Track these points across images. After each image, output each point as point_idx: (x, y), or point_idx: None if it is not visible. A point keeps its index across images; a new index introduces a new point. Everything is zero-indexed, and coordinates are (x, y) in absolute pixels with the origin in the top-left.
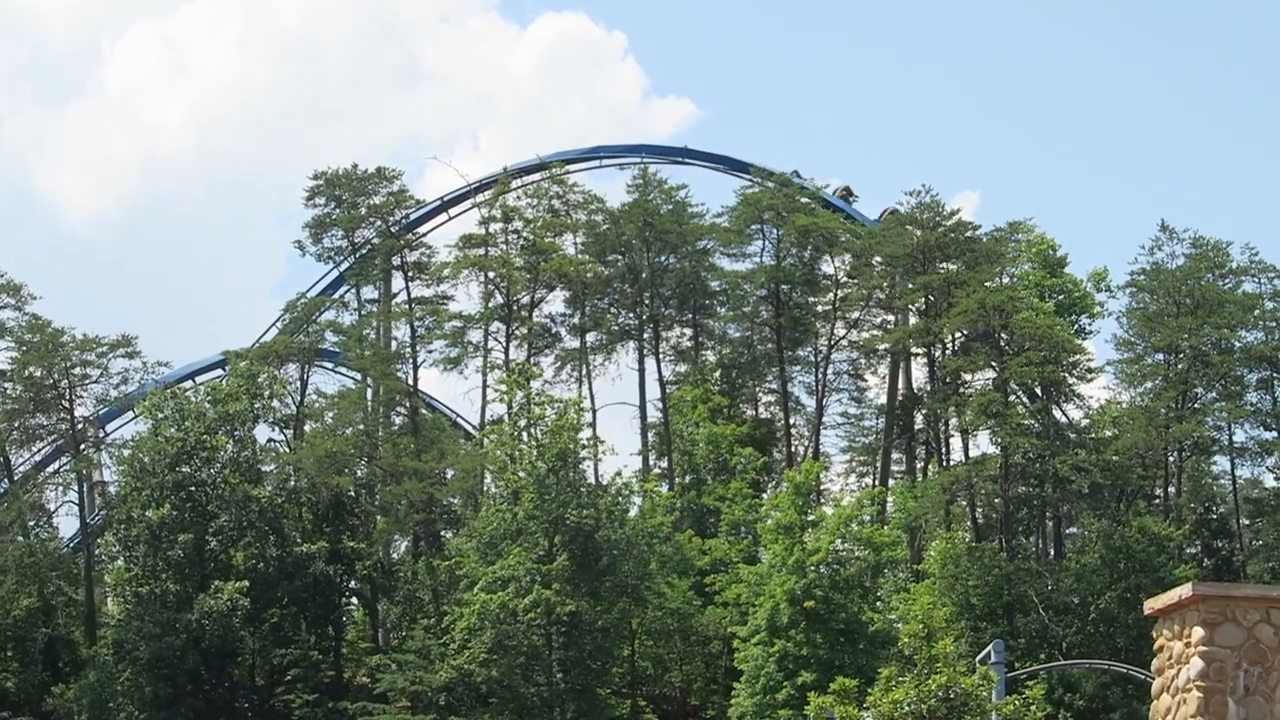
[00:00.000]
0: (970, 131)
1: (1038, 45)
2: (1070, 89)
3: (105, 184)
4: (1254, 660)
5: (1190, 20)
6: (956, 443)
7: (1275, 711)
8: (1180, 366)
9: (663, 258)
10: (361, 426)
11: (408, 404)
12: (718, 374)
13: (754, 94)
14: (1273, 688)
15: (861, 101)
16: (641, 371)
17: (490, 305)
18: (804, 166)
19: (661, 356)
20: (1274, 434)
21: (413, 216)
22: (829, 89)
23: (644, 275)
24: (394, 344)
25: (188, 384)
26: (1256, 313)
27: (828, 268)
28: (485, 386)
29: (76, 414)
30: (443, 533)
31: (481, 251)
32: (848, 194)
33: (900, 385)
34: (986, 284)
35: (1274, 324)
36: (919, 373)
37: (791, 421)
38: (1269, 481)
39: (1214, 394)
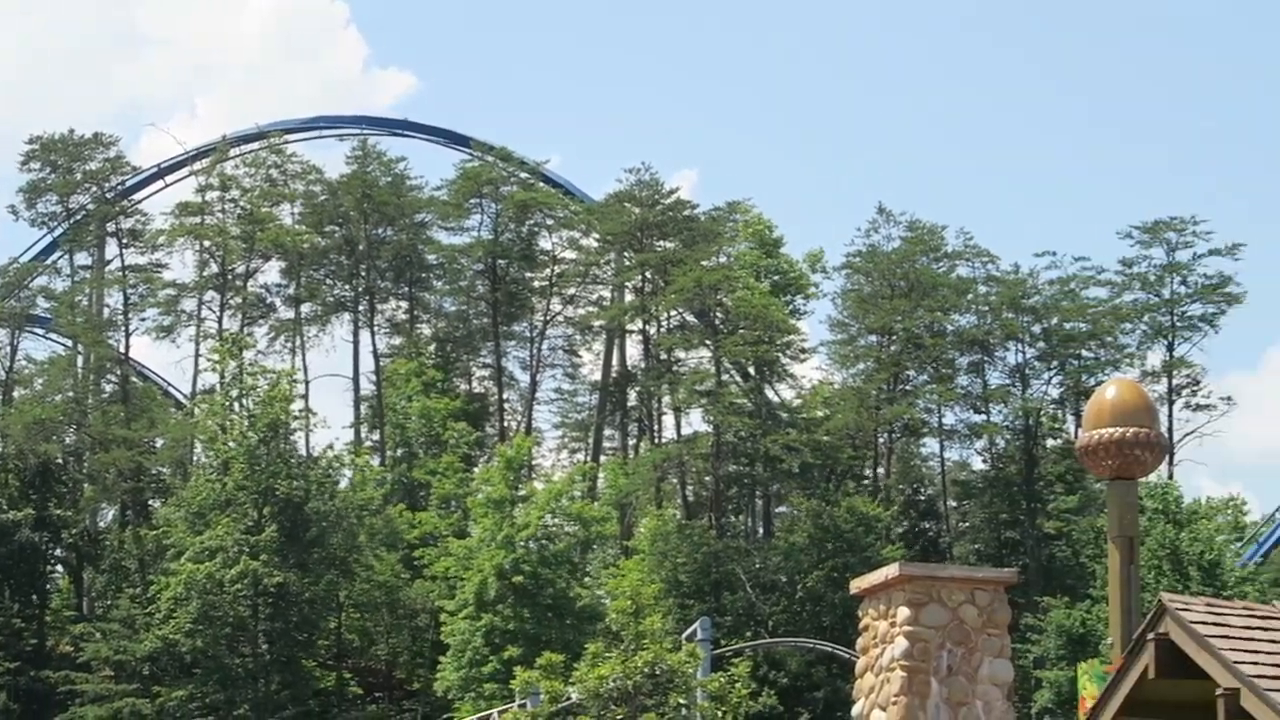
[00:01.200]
0: (689, 109)
1: (755, 22)
2: (790, 69)
3: None
4: (958, 641)
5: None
6: (669, 420)
7: (977, 691)
8: (893, 349)
9: (380, 230)
10: (71, 394)
11: (119, 372)
12: (432, 348)
13: (474, 67)
14: (975, 668)
15: (580, 77)
16: (356, 344)
17: (205, 274)
18: (523, 142)
19: (376, 329)
20: (983, 417)
21: (129, 183)
22: (548, 64)
23: (361, 247)
24: (106, 311)
25: None
26: (969, 297)
27: (545, 243)
28: (198, 356)
29: None
30: (151, 502)
31: (197, 220)
32: None
33: (614, 362)
34: (703, 263)
35: (986, 308)
36: (634, 350)
37: (505, 396)
38: (977, 464)
39: (925, 376)
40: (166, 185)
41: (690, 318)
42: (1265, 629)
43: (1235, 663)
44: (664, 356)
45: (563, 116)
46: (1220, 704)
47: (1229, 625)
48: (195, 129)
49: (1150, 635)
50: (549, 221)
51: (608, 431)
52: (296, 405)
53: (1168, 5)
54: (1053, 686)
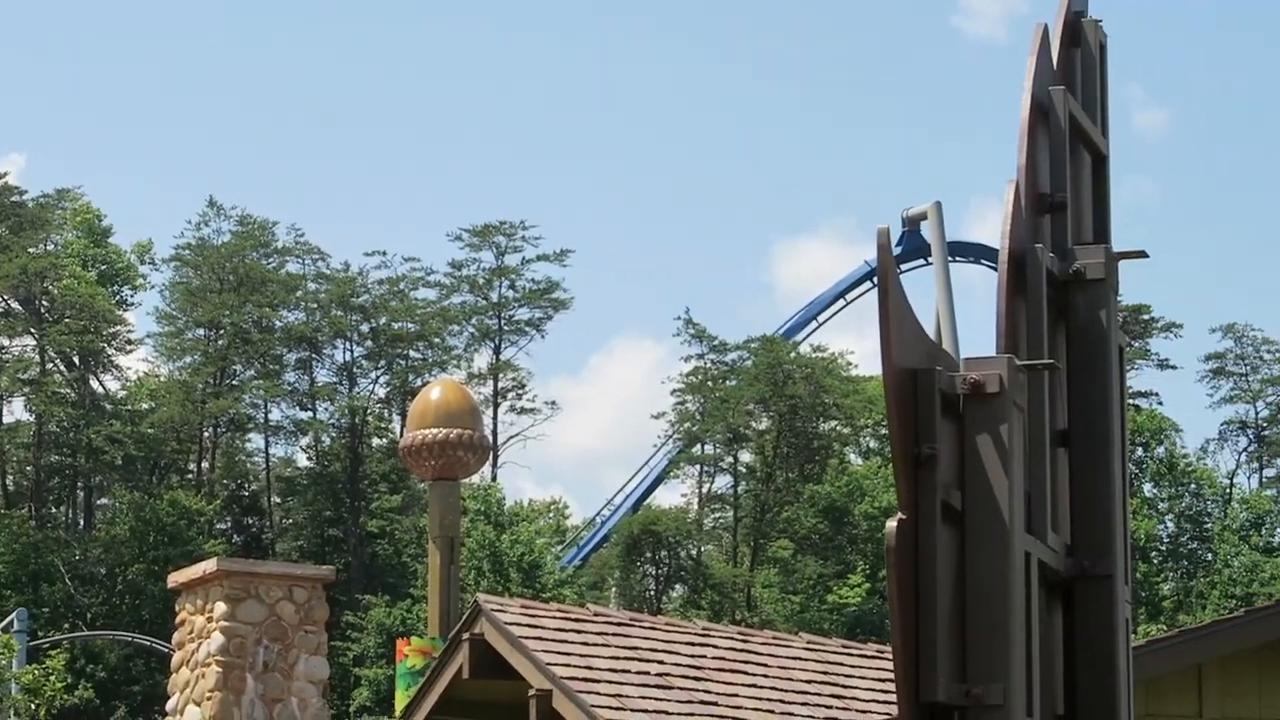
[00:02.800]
0: (18, 90)
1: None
2: (116, 50)
3: None
4: (275, 637)
5: None
6: None
7: (293, 688)
8: (221, 343)
9: None
10: None
11: None
12: None
13: None
14: (292, 665)
15: None
16: None
17: None
18: None
19: None
20: (309, 414)
21: None
22: None
23: None
24: None
25: None
26: (299, 293)
27: None
28: None
29: None
30: None
31: None
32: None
33: None
34: (29, 250)
35: (315, 305)
36: None
37: None
38: (302, 461)
39: (253, 372)
40: None
41: (15, 305)
42: (579, 631)
43: (547, 664)
44: None
45: None
46: (532, 705)
47: (543, 627)
48: None
49: (465, 635)
50: None
51: None
52: None
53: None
54: (372, 685)
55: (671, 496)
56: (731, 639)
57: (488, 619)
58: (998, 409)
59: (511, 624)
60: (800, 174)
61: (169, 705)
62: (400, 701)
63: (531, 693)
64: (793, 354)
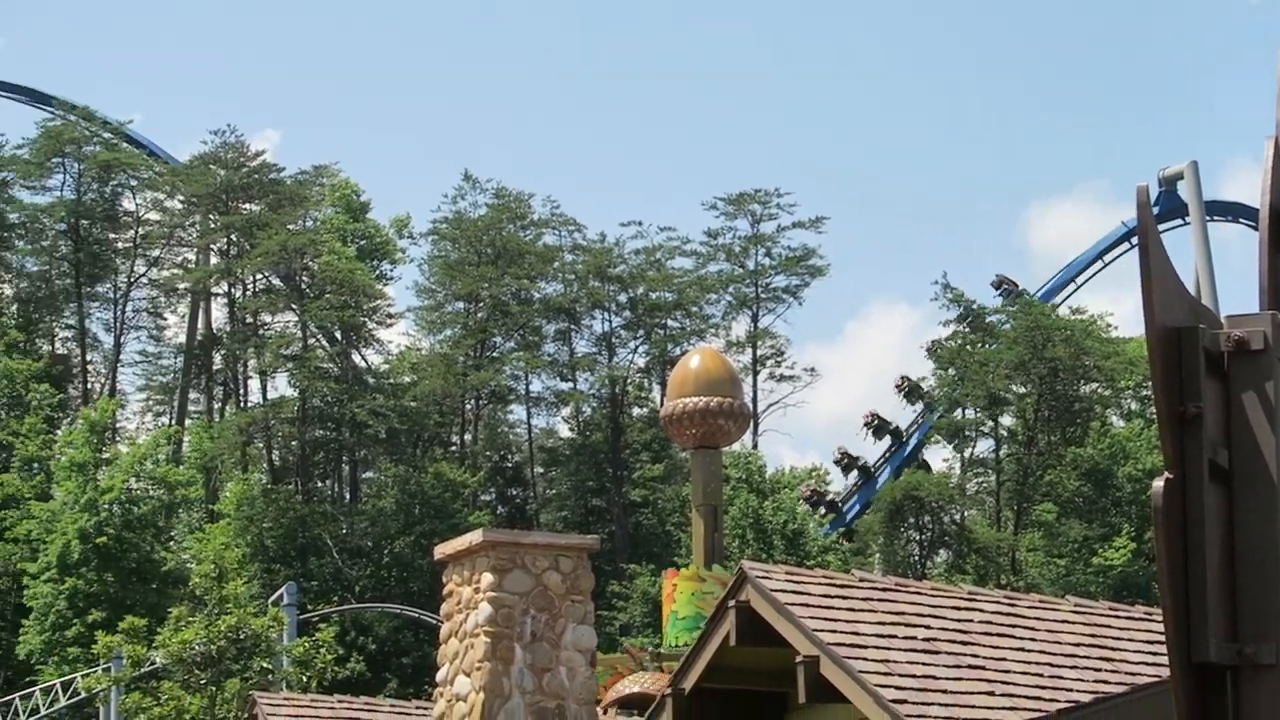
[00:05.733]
0: (271, 68)
1: None
2: (376, 30)
3: None
4: (541, 607)
5: None
6: (255, 384)
7: (561, 657)
8: (480, 315)
9: None
10: None
11: None
12: (14, 308)
13: (55, 25)
14: (559, 634)
15: (160, 34)
16: None
17: None
18: (105, 102)
19: None
20: (569, 384)
21: None
22: (128, 22)
23: None
24: None
25: None
26: (556, 265)
27: (129, 204)
28: None
29: None
30: None
31: None
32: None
33: (200, 325)
34: (289, 226)
35: (572, 276)
36: (219, 313)
37: (89, 358)
38: (563, 431)
39: (512, 343)
40: None
41: (276, 281)
42: (844, 598)
43: (814, 630)
44: (250, 320)
45: (144, 76)
46: (799, 671)
47: (809, 593)
48: None
49: (731, 603)
50: (133, 182)
51: (193, 395)
52: None
53: None
54: None
55: (933, 462)
56: (998, 603)
57: (754, 586)
58: (1263, 366)
59: (777, 591)
60: (1054, 137)
61: (438, 676)
62: (667, 640)
63: (799, 659)
64: (1051, 316)
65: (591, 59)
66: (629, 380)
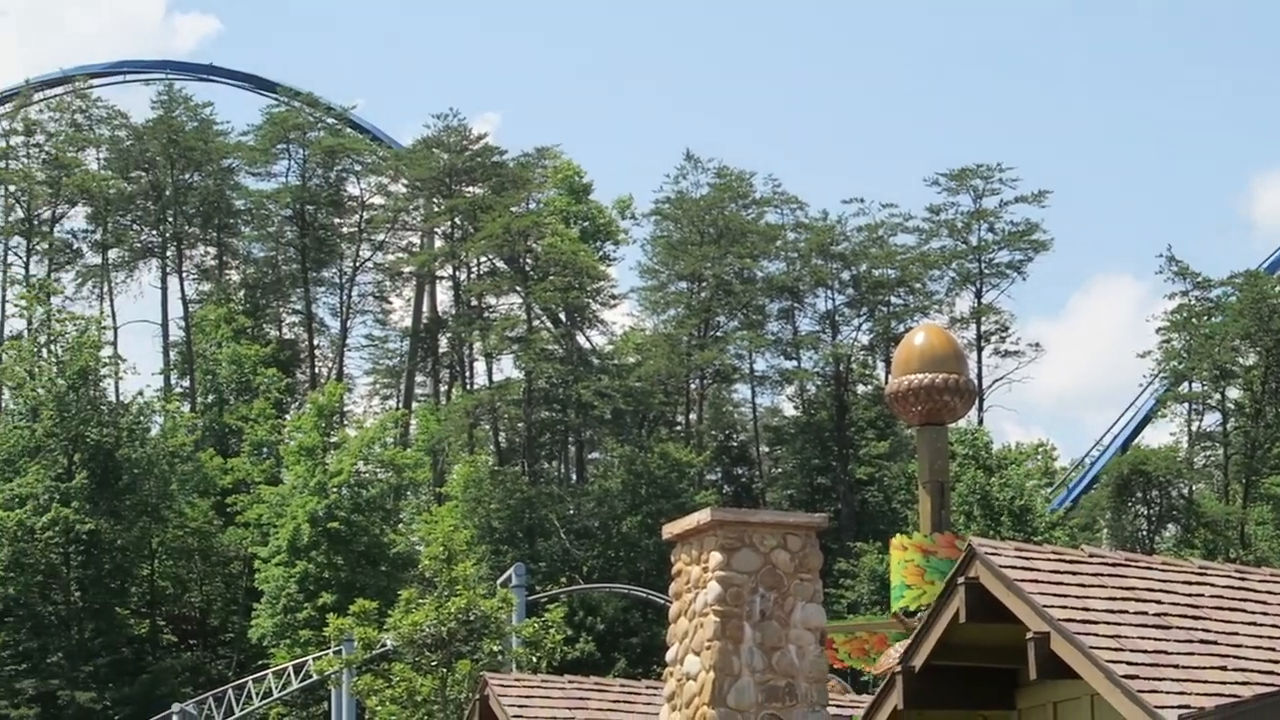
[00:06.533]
0: (491, 51)
1: None
2: (592, 10)
3: None
4: (770, 585)
5: None
6: (480, 366)
7: (790, 636)
8: (703, 295)
9: (187, 175)
10: None
11: None
12: (241, 294)
13: (276, 11)
14: (788, 613)
15: (380, 18)
16: (164, 290)
17: (10, 219)
18: (328, 87)
19: (185, 275)
20: (794, 363)
21: None
22: (348, 6)
23: (168, 193)
24: None
25: None
26: (778, 243)
27: (354, 189)
28: (4, 302)
29: None
30: None
31: (1, 165)
32: None
33: (425, 308)
34: (512, 209)
35: (795, 255)
36: (444, 296)
37: (316, 343)
38: (788, 410)
39: (736, 323)
40: None
41: (500, 264)
42: (1074, 573)
43: (1044, 606)
44: (474, 302)
45: (366, 61)
46: (1030, 647)
47: (1038, 570)
48: None
49: (960, 579)
50: (357, 167)
51: (419, 378)
52: (105, 351)
53: None
54: None
55: (1160, 435)
56: (1229, 577)
57: (982, 563)
58: None
59: (1006, 567)
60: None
61: (668, 655)
62: (894, 605)
63: (1029, 635)
64: (1277, 288)
65: (814, 36)
66: (853, 358)
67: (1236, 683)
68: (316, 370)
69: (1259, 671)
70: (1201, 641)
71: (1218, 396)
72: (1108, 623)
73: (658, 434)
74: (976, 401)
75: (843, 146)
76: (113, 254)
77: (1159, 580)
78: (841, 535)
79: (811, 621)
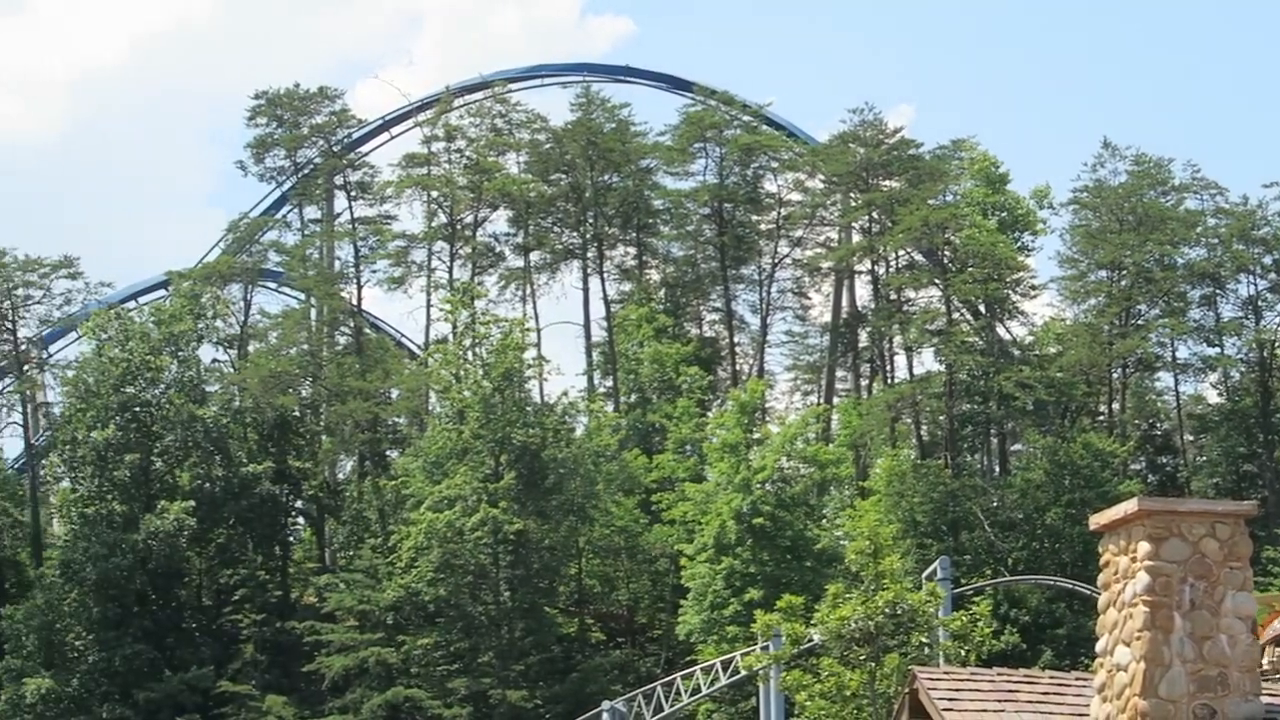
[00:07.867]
0: (903, 45)
1: None
2: (1009, 4)
3: (34, 106)
4: (1199, 575)
5: None
6: (901, 360)
7: (1220, 625)
8: (1123, 283)
9: (606, 176)
10: (306, 346)
11: (351, 323)
12: (662, 293)
13: (690, 11)
14: (1218, 602)
15: (791, 16)
16: (586, 290)
17: (433, 225)
18: (740, 85)
19: (605, 275)
20: (1216, 350)
21: (355, 136)
22: (758, 5)
23: (587, 194)
24: (337, 264)
25: (130, 304)
26: (1199, 230)
27: (770, 186)
28: (429, 306)
29: (20, 335)
30: (388, 452)
31: (424, 171)
32: None
33: (844, 303)
34: (929, 201)
35: (1216, 241)
36: (863, 290)
37: (736, 340)
38: (1212, 398)
39: (1157, 311)
40: (392, 137)
41: (919, 257)
42: None
43: None
44: (894, 296)
45: (780, 57)
46: None
47: None
48: (411, 79)
49: None
50: (773, 164)
51: (840, 373)
52: (529, 353)
53: None
54: None
55: None
56: None
57: None
58: None
59: None
60: None
61: (1098, 647)
62: None
63: None
64: None
65: (1233, 24)
66: (1277, 343)
67: None
68: (737, 367)
69: None
70: None
71: None
72: None
73: (1080, 424)
74: None
75: (1263, 130)
76: (534, 256)
77: None
78: (1269, 523)
79: (1242, 610)
